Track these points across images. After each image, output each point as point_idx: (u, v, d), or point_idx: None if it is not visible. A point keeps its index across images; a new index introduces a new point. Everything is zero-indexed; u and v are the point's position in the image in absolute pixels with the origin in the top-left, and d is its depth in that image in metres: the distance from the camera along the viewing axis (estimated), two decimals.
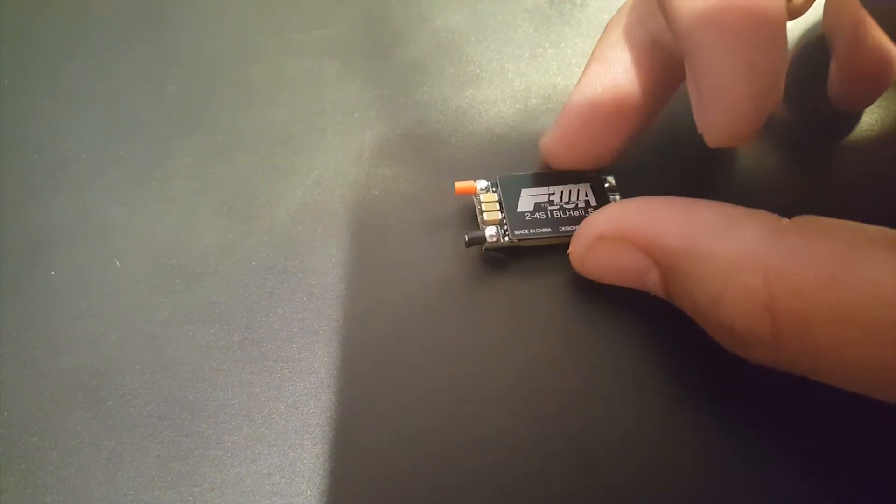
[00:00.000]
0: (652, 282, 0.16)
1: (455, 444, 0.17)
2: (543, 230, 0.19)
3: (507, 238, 0.19)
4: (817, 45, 0.22)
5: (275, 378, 0.18)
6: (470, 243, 0.19)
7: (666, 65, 0.18)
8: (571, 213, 0.19)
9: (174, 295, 0.19)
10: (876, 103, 0.22)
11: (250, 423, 0.17)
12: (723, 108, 0.15)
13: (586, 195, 0.19)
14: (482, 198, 0.19)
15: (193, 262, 0.20)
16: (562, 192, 0.19)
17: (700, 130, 0.16)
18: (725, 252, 0.14)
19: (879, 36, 0.20)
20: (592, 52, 0.19)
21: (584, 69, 0.19)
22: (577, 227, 0.18)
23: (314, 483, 0.16)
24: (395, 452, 0.17)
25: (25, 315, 0.19)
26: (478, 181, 0.19)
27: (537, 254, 0.19)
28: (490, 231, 0.19)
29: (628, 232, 0.16)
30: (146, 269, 0.19)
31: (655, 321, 0.18)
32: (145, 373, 0.18)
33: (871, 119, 0.22)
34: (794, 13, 0.20)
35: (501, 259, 0.19)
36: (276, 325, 0.19)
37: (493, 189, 0.19)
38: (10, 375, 0.18)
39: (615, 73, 0.18)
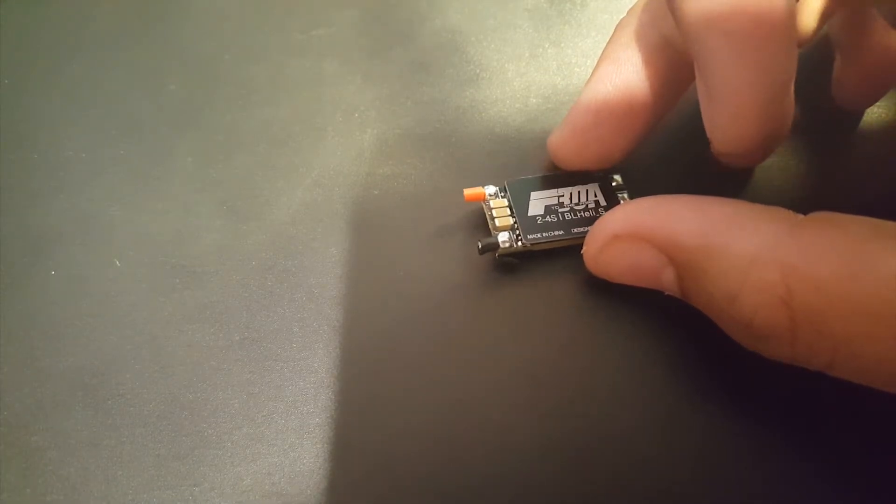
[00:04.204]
0: (667, 280, 0.16)
1: (456, 444, 0.17)
2: (556, 233, 0.19)
3: (520, 243, 0.19)
4: (821, 44, 0.22)
5: (275, 378, 0.18)
6: (483, 250, 0.18)
7: (676, 65, 0.18)
8: (582, 213, 0.19)
9: (174, 295, 0.19)
10: (879, 101, 0.22)
11: (250, 423, 0.17)
12: (730, 111, 0.15)
13: (595, 195, 0.19)
14: (492, 203, 0.19)
15: (193, 262, 0.20)
16: (571, 194, 0.19)
17: (709, 135, 0.16)
18: (742, 247, 0.14)
19: (885, 33, 0.20)
20: (603, 52, 0.19)
21: (595, 68, 0.19)
22: (590, 227, 0.18)
23: (314, 483, 0.16)
24: (395, 452, 0.17)
25: (25, 315, 0.19)
26: (486, 187, 0.19)
27: (547, 256, 0.19)
28: (503, 237, 0.19)
29: (643, 230, 0.16)
30: (146, 269, 0.19)
31: (667, 323, 0.18)
32: (145, 372, 0.18)
33: (874, 117, 0.22)
34: (802, 40, 0.20)
35: (510, 262, 0.19)
36: (275, 325, 0.19)
37: (502, 194, 0.19)
38: (10, 375, 0.18)
39: (626, 73, 0.18)
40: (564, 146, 0.19)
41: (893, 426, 0.16)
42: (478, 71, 0.24)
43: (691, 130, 0.19)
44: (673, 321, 0.18)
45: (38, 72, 0.24)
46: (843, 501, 0.16)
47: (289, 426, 0.17)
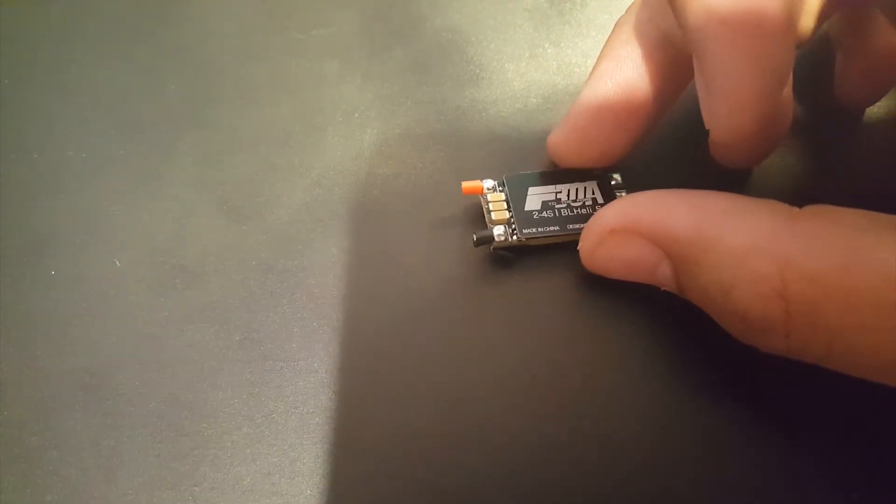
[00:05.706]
0: (663, 274, 0.16)
1: (455, 443, 0.17)
2: (551, 228, 0.19)
3: (515, 237, 0.19)
4: (821, 43, 0.22)
5: (275, 378, 0.18)
6: (478, 243, 0.19)
7: (675, 62, 0.18)
8: (579, 210, 0.19)
9: (174, 295, 0.19)
10: (880, 101, 0.22)
11: (250, 423, 0.17)
12: (728, 102, 0.16)
13: (593, 193, 0.19)
14: (489, 197, 0.19)
15: (193, 261, 0.20)
16: (569, 190, 0.19)
17: (707, 125, 0.17)
18: (737, 239, 0.14)
19: (886, 32, 0.20)
20: (602, 50, 0.19)
21: (594, 66, 0.19)
22: (586, 224, 0.18)
23: (314, 483, 0.16)
24: (395, 452, 0.17)
25: (25, 315, 0.19)
26: (484, 181, 0.19)
27: (544, 252, 0.19)
28: (498, 230, 0.19)
29: (639, 224, 0.16)
30: (146, 269, 0.19)
31: (663, 320, 0.18)
32: (145, 372, 0.18)
33: (875, 116, 0.22)
34: (801, 39, 0.20)
35: (507, 258, 0.19)
36: (275, 325, 0.19)
37: (500, 188, 0.19)
38: (10, 375, 0.18)
39: (625, 70, 0.18)
40: (564, 144, 0.19)
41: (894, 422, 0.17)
42: (478, 71, 0.24)
43: (691, 131, 0.19)
44: (671, 318, 0.18)
45: (38, 72, 0.23)
46: (845, 500, 0.16)
47: (289, 426, 0.17)
